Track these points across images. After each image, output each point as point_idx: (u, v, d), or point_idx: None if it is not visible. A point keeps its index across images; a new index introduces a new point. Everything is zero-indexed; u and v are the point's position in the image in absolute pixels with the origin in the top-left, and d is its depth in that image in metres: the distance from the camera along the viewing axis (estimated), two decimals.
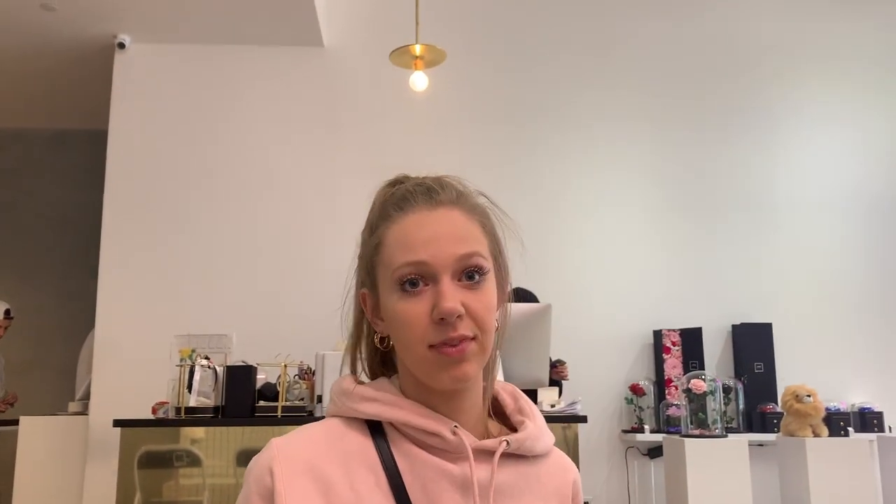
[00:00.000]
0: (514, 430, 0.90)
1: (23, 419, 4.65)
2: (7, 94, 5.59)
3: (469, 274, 0.81)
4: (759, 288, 4.79)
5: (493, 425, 0.91)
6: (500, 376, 2.98)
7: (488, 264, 0.83)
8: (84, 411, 4.52)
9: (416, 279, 0.80)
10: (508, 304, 0.92)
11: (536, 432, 0.88)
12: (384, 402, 0.84)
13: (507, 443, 0.84)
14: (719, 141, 4.97)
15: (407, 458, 0.82)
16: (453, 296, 0.79)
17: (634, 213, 4.85)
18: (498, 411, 0.92)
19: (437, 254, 0.80)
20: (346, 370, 0.91)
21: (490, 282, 0.83)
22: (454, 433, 0.82)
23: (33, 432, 4.58)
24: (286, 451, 0.81)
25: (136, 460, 3.03)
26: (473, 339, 0.80)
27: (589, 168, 4.87)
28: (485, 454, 0.83)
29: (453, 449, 0.82)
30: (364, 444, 0.83)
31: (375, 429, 0.84)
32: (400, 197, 0.85)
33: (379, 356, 0.91)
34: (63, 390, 5.03)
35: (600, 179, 4.87)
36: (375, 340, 0.88)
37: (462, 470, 0.82)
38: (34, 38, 4.64)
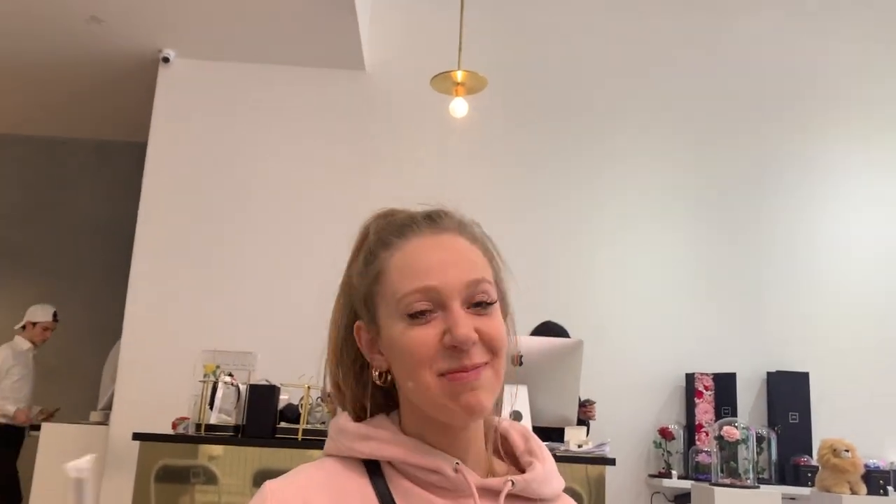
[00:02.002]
0: (522, 471, 0.85)
1: (44, 426, 4.67)
2: (53, 104, 5.70)
3: (478, 302, 0.78)
4: (797, 335, 4.66)
5: (500, 465, 0.86)
6: (526, 415, 2.86)
7: (494, 292, 0.80)
8: (105, 421, 4.52)
9: (426, 307, 0.77)
10: (515, 334, 0.86)
11: (544, 475, 0.84)
12: (381, 440, 0.80)
13: (513, 483, 0.80)
14: (761, 183, 4.88)
15: (406, 497, 0.78)
16: (466, 322, 0.76)
17: (671, 252, 4.76)
18: (508, 452, 0.88)
19: (446, 280, 0.77)
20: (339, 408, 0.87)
21: (497, 310, 0.80)
22: (456, 470, 0.78)
23: (54, 439, 4.58)
24: (279, 496, 0.77)
25: (153, 474, 3.00)
26: (487, 363, 0.77)
27: (625, 205, 4.80)
28: (489, 494, 0.79)
29: (454, 487, 0.78)
30: (361, 486, 0.79)
31: (373, 469, 0.80)
32: (399, 225, 0.82)
33: (375, 394, 0.85)
34: (87, 399, 5.04)
35: (636, 217, 4.79)
36: (374, 377, 0.83)
37: None
38: (82, 49, 4.73)
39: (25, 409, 5.03)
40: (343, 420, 0.85)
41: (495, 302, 0.80)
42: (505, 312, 0.84)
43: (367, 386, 0.84)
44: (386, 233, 0.82)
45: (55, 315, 5.19)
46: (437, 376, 0.76)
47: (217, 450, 3.05)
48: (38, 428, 4.64)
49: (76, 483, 0.56)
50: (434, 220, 0.82)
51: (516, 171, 4.80)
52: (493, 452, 0.86)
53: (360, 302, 0.83)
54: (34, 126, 6.25)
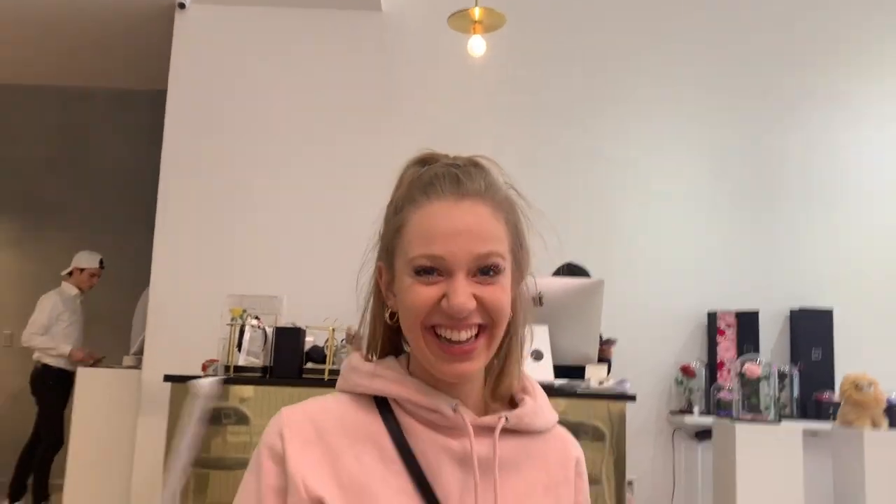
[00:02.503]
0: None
1: (80, 370, 4.80)
2: (72, 53, 5.69)
3: (484, 270, 0.83)
4: (821, 272, 4.62)
5: (497, 405, 0.93)
6: (547, 354, 2.90)
7: (505, 263, 0.85)
8: (137, 366, 4.64)
9: (432, 269, 0.83)
10: (531, 287, 0.93)
11: (535, 408, 0.91)
12: (388, 379, 0.88)
13: (506, 419, 0.87)
14: (786, 116, 4.78)
15: (411, 432, 0.86)
16: (465, 291, 0.81)
17: (693, 189, 4.71)
18: (505, 393, 0.94)
19: (455, 251, 0.82)
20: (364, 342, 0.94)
21: (506, 277, 0.85)
22: (455, 410, 0.85)
23: (89, 384, 4.72)
24: (296, 419, 0.86)
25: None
26: (482, 330, 0.84)
27: (645, 140, 4.74)
28: (485, 430, 0.86)
29: (453, 425, 0.85)
30: (371, 419, 0.87)
31: (383, 406, 0.87)
32: (427, 181, 0.86)
33: (389, 336, 0.92)
34: (120, 344, 5.17)
35: (657, 152, 4.73)
36: (385, 315, 0.90)
37: (462, 445, 0.85)
38: None
39: (80, 349, 5.12)
40: (355, 359, 0.92)
41: (503, 272, 0.84)
42: (520, 277, 0.89)
43: (384, 326, 0.92)
44: (414, 188, 0.87)
45: (101, 262, 5.25)
46: (428, 329, 0.83)
47: (247, 392, 3.13)
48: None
49: (193, 398, 0.62)
50: (459, 182, 0.85)
51: (536, 111, 4.74)
52: (493, 393, 0.92)
53: (383, 246, 0.90)
54: (53, 76, 6.27)
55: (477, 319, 0.83)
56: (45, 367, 4.91)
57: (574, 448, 0.95)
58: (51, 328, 5.02)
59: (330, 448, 0.84)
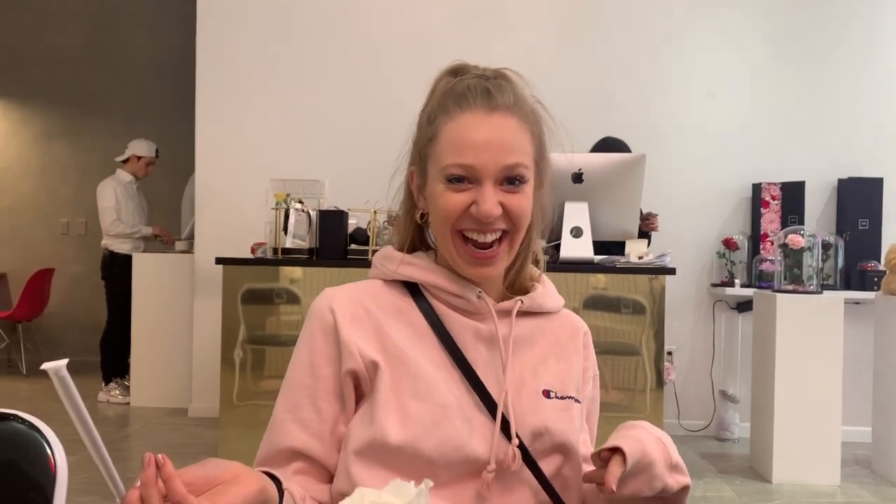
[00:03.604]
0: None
1: (135, 256, 4.98)
2: None
3: (510, 180, 0.91)
4: (870, 140, 4.48)
5: (511, 295, 1.03)
6: (587, 230, 2.93)
7: (529, 173, 0.93)
8: (190, 250, 4.80)
9: (463, 177, 0.90)
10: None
11: (545, 292, 1.02)
12: (420, 267, 0.98)
13: (522, 302, 0.99)
14: None
15: (439, 314, 0.96)
16: (492, 199, 0.89)
17: (736, 54, 4.52)
18: (521, 288, 1.05)
19: (485, 161, 0.89)
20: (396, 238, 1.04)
21: (529, 185, 0.93)
22: (479, 297, 0.96)
23: (145, 268, 4.91)
24: (342, 296, 0.96)
25: (239, 296, 3.23)
26: (505, 234, 0.92)
27: (689, 12, 4.52)
28: (504, 313, 0.97)
29: (476, 310, 0.96)
30: (404, 301, 0.97)
31: (414, 291, 0.98)
32: (460, 93, 0.92)
33: (419, 234, 1.02)
34: (169, 229, 5.32)
35: (700, 16, 4.53)
36: (416, 216, 0.99)
37: (487, 327, 0.96)
38: None
39: (158, 227, 5.22)
40: (388, 250, 1.02)
41: (527, 181, 0.92)
42: (541, 184, 0.97)
43: (413, 223, 1.02)
44: (448, 98, 0.93)
45: (157, 152, 5.28)
46: (457, 232, 0.92)
47: (296, 273, 3.23)
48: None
49: (59, 380, 0.60)
50: (490, 95, 0.91)
51: None
52: (510, 287, 1.04)
53: (416, 152, 0.98)
54: None
55: (501, 225, 0.91)
56: (112, 253, 5.03)
57: (581, 324, 1.06)
58: (121, 212, 5.08)
59: (374, 321, 0.94)
